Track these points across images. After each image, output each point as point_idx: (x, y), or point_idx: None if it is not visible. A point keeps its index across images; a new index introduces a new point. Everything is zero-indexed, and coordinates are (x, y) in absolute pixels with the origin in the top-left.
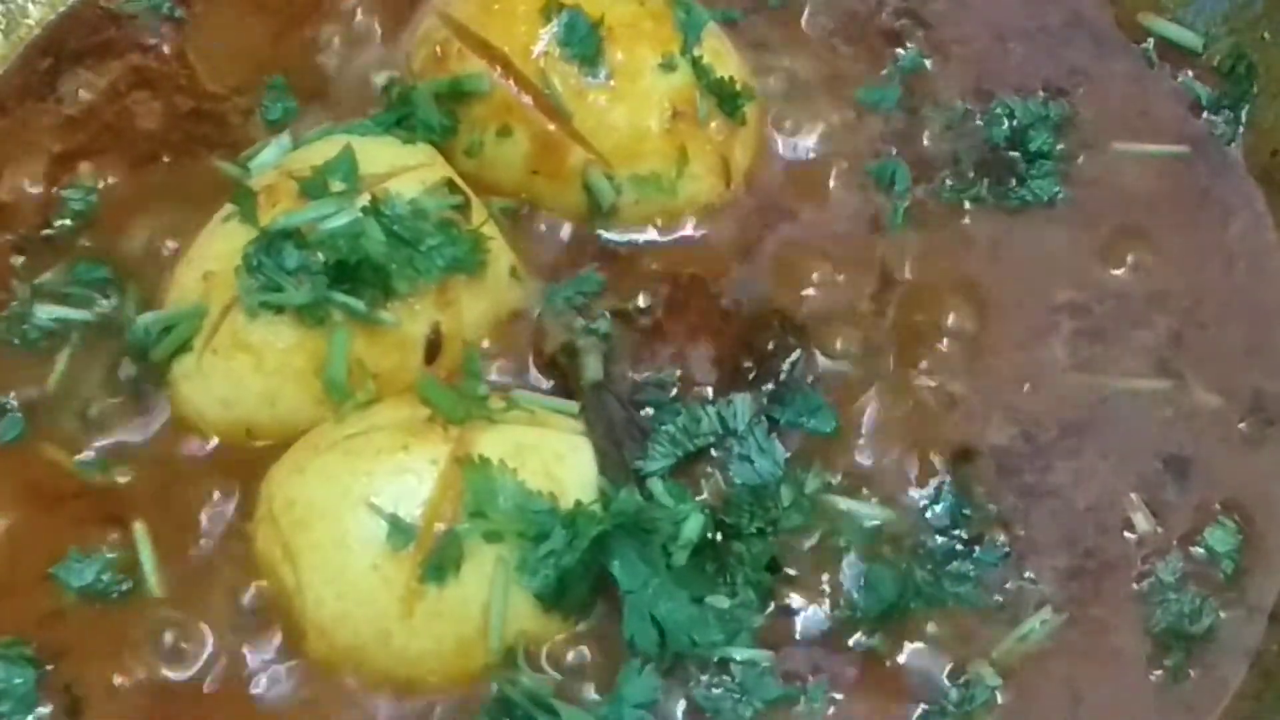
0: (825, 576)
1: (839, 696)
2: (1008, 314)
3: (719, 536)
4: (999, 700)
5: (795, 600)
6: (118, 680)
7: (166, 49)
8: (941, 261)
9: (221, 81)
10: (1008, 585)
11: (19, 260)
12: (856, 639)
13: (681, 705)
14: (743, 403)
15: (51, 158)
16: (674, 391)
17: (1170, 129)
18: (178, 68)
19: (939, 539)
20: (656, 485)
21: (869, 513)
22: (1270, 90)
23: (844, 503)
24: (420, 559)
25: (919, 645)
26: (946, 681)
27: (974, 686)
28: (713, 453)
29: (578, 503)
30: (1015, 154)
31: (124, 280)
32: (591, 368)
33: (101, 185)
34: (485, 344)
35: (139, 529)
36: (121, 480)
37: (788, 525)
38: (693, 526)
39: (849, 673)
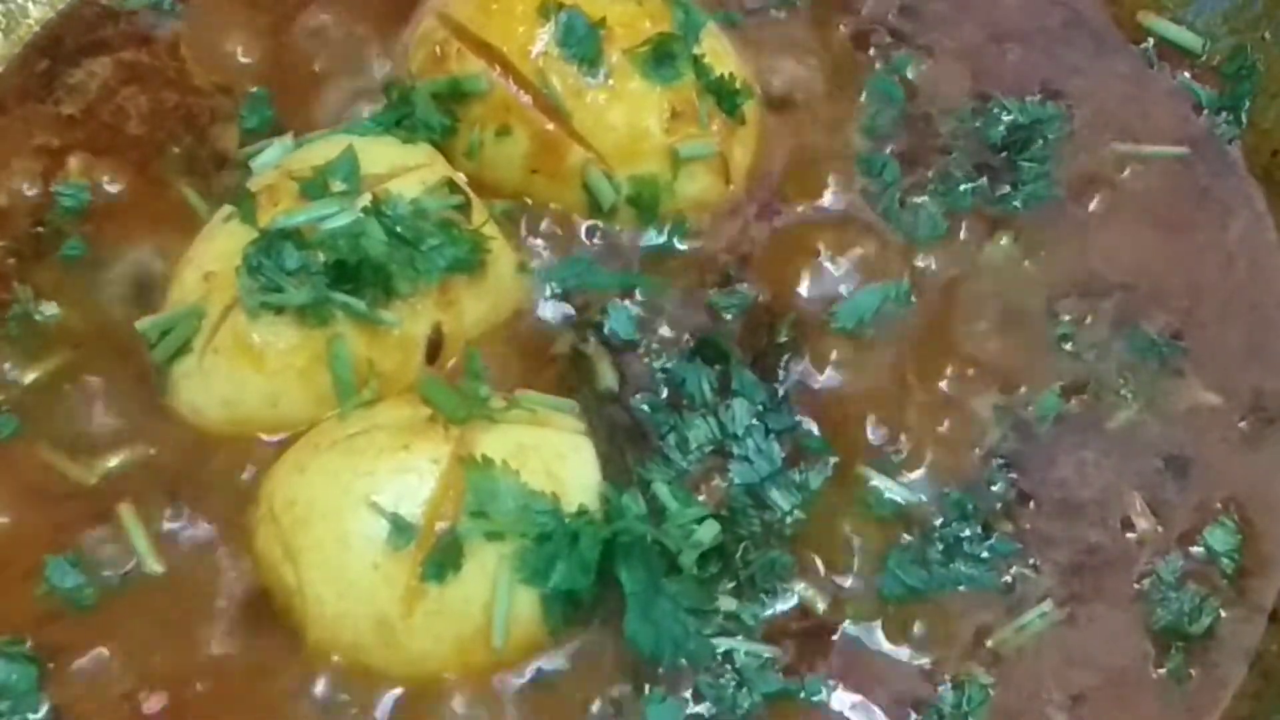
0: (838, 561)
1: (836, 692)
2: (1008, 313)
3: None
4: (998, 700)
5: (800, 595)
6: (113, 679)
7: (162, 44)
8: (940, 262)
9: (209, 78)
10: (1012, 571)
11: (13, 261)
12: (857, 634)
13: (686, 692)
14: (741, 406)
15: (49, 157)
16: (668, 393)
17: (1170, 129)
18: (168, 61)
19: (951, 527)
20: (662, 489)
21: (897, 491)
22: (1270, 90)
23: (875, 477)
24: (421, 558)
25: (918, 642)
26: (941, 683)
27: (969, 687)
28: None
29: (581, 508)
30: (1013, 154)
31: (119, 278)
32: (606, 376)
33: (94, 183)
34: (486, 344)
35: (126, 519)
36: (117, 480)
37: (790, 532)
38: (706, 533)
39: (847, 669)
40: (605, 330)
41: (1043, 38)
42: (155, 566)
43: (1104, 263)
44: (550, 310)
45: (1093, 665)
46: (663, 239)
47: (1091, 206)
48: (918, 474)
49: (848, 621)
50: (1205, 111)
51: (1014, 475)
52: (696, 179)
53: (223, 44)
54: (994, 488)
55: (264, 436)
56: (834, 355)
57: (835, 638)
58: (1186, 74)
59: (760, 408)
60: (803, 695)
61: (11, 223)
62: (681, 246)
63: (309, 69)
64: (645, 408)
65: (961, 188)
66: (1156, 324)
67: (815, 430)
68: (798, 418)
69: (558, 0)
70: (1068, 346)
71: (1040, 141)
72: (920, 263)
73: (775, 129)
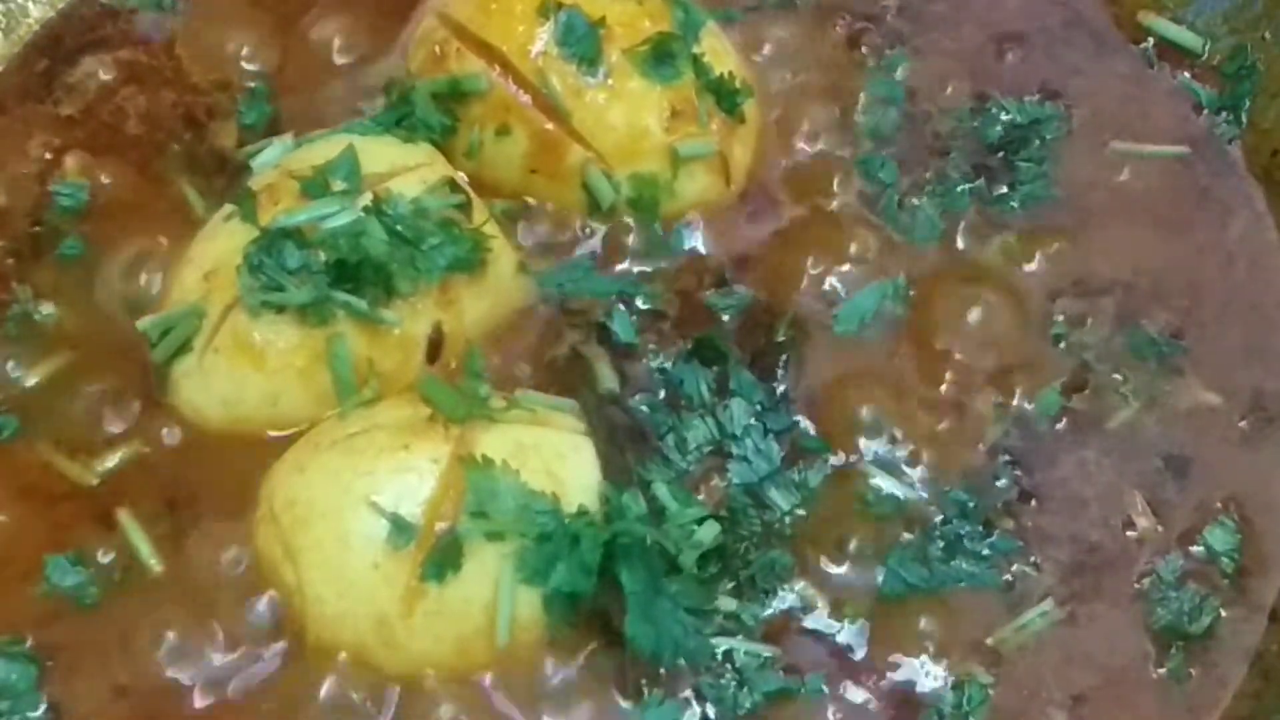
0: (838, 559)
1: (836, 690)
2: (1007, 313)
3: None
4: (998, 699)
5: (800, 594)
6: (112, 679)
7: (161, 44)
8: (939, 262)
9: (207, 77)
10: (1013, 569)
11: (12, 261)
12: (856, 632)
13: (685, 693)
14: (739, 406)
15: (48, 156)
16: (667, 394)
17: (1170, 129)
18: (166, 61)
19: (952, 524)
20: (662, 489)
21: (897, 489)
22: (1270, 90)
23: (875, 475)
24: (421, 558)
25: (918, 641)
26: (941, 684)
27: (968, 687)
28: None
29: (581, 508)
30: (1012, 154)
31: (118, 277)
32: (606, 376)
33: (93, 182)
34: (487, 343)
35: (126, 519)
36: (117, 480)
37: (790, 531)
38: (706, 533)
39: (847, 668)
40: (606, 332)
41: (1043, 38)
42: (155, 566)
43: (1104, 262)
44: (550, 310)
45: (1093, 665)
46: (662, 238)
47: (1091, 206)
48: (918, 472)
49: (847, 620)
50: (1205, 111)
51: (1015, 473)
52: (696, 178)
53: (224, 44)
54: (995, 486)
55: (264, 435)
56: (832, 355)
57: (835, 636)
58: (1186, 74)
59: (759, 407)
60: (803, 694)
61: (10, 222)
62: (681, 246)
63: (309, 68)
64: (644, 408)
65: (959, 189)
66: (1157, 323)
67: (813, 430)
68: (796, 417)
69: (557, 0)
70: (1067, 345)
71: (1037, 142)
72: (919, 263)
73: (775, 128)
